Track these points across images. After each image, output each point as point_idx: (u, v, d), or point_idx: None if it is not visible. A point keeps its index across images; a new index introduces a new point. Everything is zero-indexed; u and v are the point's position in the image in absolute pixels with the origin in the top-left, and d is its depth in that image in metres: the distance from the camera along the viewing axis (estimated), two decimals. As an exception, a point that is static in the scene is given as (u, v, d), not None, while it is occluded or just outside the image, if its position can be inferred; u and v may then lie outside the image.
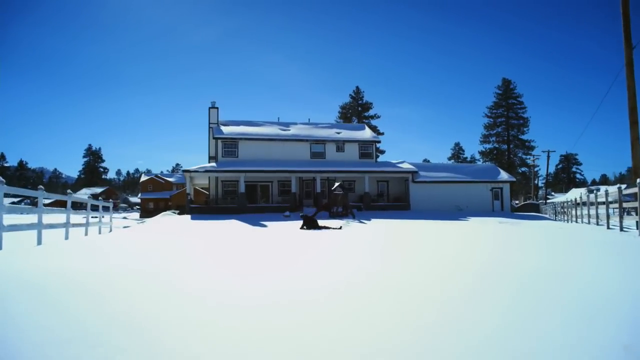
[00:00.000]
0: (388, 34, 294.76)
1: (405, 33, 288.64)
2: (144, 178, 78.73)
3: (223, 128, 35.41)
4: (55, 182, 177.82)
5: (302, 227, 18.26)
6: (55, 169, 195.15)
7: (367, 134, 38.44)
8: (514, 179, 40.15)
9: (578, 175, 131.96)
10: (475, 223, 24.88)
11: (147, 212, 66.21)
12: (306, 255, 8.41)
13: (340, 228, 18.30)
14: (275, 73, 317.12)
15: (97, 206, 16.63)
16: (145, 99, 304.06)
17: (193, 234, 15.36)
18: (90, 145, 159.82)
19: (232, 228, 19.85)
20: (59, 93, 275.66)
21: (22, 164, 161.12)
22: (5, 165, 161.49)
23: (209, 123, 36.11)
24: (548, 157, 57.21)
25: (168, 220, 28.58)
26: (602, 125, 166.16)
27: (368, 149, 37.12)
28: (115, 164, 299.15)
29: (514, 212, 37.66)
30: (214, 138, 34.23)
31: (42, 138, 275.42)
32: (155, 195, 72.46)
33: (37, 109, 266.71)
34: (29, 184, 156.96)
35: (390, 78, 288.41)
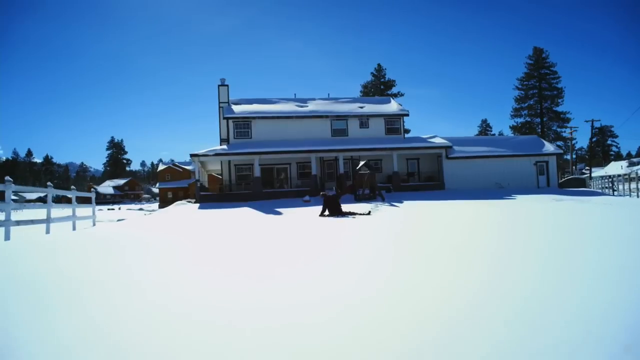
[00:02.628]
0: (407, 11, 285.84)
1: (424, 7, 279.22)
2: (161, 167, 76.57)
3: (234, 107, 32.22)
4: (82, 176, 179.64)
5: (322, 214, 14.95)
6: (82, 163, 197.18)
7: (393, 107, 34.61)
8: (561, 151, 35.90)
9: (614, 149, 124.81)
10: (527, 202, 21.15)
11: (166, 201, 64.13)
12: (321, 260, 5.30)
13: (369, 213, 14.94)
14: (294, 59, 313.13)
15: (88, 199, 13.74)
16: (167, 90, 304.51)
17: (188, 227, 12.28)
18: (112, 137, 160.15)
19: (240, 218, 16.72)
20: (83, 87, 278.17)
21: (48, 159, 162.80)
22: (33, 160, 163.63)
23: (219, 102, 32.95)
24: (592, 126, 52.33)
25: (176, 211, 25.77)
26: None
27: (395, 124, 33.36)
28: (140, 156, 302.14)
29: (562, 189, 33.48)
30: (224, 118, 31.09)
31: (68, 134, 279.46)
32: (173, 185, 70.23)
33: (63, 104, 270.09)
34: (55, 178, 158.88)
35: (411, 58, 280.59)
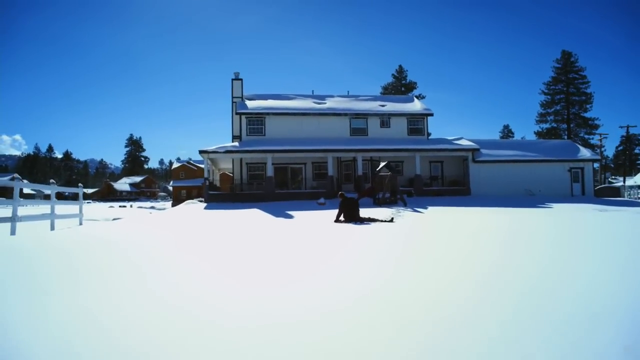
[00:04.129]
0: (428, 15, 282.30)
1: (446, 13, 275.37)
2: (176, 165, 75.43)
3: (248, 103, 30.55)
4: (101, 172, 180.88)
5: (337, 220, 13.07)
6: (102, 160, 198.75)
7: (416, 106, 32.50)
8: (599, 157, 33.32)
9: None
10: (567, 212, 18.92)
11: (179, 200, 62.89)
12: (337, 285, 3.45)
13: (392, 220, 13.00)
14: (312, 58, 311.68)
15: (72, 197, 12.07)
16: (186, 88, 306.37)
17: (183, 230, 10.56)
18: (131, 134, 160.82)
19: (245, 221, 14.95)
20: (104, 84, 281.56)
21: (67, 155, 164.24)
22: (53, 156, 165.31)
23: (232, 97, 31.33)
24: (627, 131, 49.11)
25: (181, 211, 24.18)
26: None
27: (418, 124, 31.25)
28: (159, 154, 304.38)
29: (599, 198, 30.96)
30: (237, 114, 29.43)
31: (91, 131, 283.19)
32: (187, 183, 69.02)
33: (85, 101, 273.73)
34: (74, 174, 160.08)
35: (431, 62, 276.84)
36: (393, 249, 6.77)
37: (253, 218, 16.55)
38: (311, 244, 7.64)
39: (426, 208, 19.71)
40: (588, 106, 70.63)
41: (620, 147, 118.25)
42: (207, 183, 27.11)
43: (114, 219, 18.71)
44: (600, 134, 65.22)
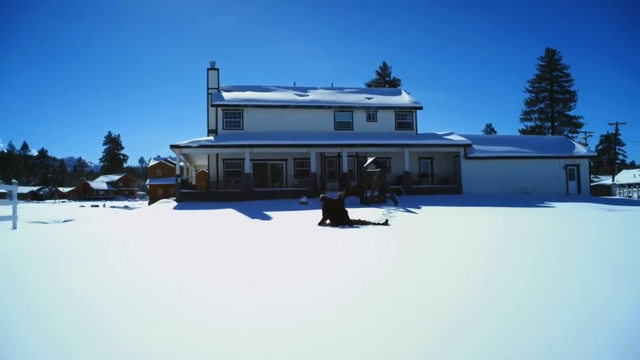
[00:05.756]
0: (412, 14, 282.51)
1: (429, 10, 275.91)
2: (152, 163, 72.31)
3: (225, 94, 28.29)
4: (79, 171, 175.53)
5: (322, 223, 11.06)
6: (80, 158, 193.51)
7: (405, 99, 30.61)
8: (595, 154, 31.98)
9: (621, 157, 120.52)
10: (572, 212, 17.31)
11: (157, 199, 60.16)
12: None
13: (386, 223, 11.04)
14: (295, 59, 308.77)
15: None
16: (167, 88, 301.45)
17: (136, 235, 8.45)
18: (109, 132, 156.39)
19: (215, 223, 12.88)
20: (81, 81, 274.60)
21: (43, 153, 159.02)
22: (28, 154, 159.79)
23: (208, 89, 29.02)
24: (616, 129, 48.12)
25: (148, 211, 21.97)
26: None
27: (407, 118, 29.38)
28: (139, 152, 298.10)
29: (596, 196, 29.59)
30: (212, 105, 27.16)
31: (68, 129, 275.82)
32: (164, 181, 66.11)
33: (62, 99, 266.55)
34: (50, 172, 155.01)
35: (414, 60, 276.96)
36: (393, 268, 4.77)
37: (224, 219, 14.43)
38: (287, 255, 5.62)
39: (419, 208, 17.82)
40: (572, 104, 70.20)
41: (600, 147, 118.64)
42: (179, 181, 24.77)
43: (64, 221, 16.34)
44: (585, 132, 64.64)
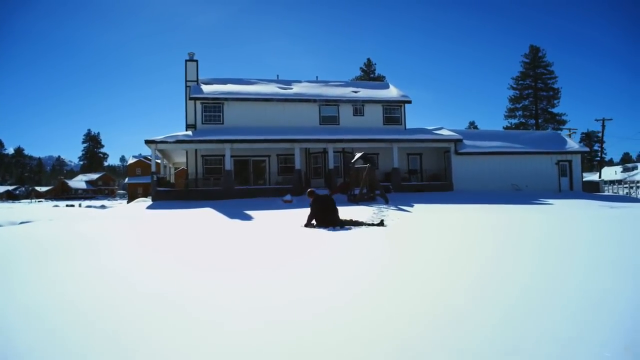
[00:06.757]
0: (395, 12, 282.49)
1: (414, 9, 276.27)
2: (131, 161, 70.03)
3: (204, 87, 26.74)
4: (58, 170, 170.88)
5: (308, 224, 9.76)
6: (59, 156, 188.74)
7: (392, 92, 29.43)
8: (588, 149, 31.25)
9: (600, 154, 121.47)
10: (573, 209, 16.34)
11: (136, 197, 58.09)
12: None
13: (382, 223, 9.78)
14: (279, 57, 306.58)
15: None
16: (149, 85, 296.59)
17: (95, 239, 7.06)
18: (89, 130, 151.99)
19: (190, 224, 11.48)
20: (62, 80, 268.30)
21: (19, 151, 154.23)
22: (4, 152, 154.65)
23: (186, 81, 27.41)
24: (603, 126, 47.78)
25: (120, 210, 20.44)
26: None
27: (395, 112, 28.21)
28: (120, 151, 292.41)
29: (589, 193, 28.83)
30: (190, 99, 25.60)
31: (47, 127, 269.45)
32: (143, 180, 63.84)
33: (41, 96, 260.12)
34: (26, 171, 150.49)
35: (399, 57, 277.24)
36: (407, 285, 3.51)
37: (200, 220, 13.03)
38: (267, 265, 4.32)
39: (412, 206, 16.64)
40: (556, 101, 70.26)
41: (581, 144, 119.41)
42: (155, 178, 23.18)
43: (20, 223, 14.72)
44: (569, 129, 64.51)
